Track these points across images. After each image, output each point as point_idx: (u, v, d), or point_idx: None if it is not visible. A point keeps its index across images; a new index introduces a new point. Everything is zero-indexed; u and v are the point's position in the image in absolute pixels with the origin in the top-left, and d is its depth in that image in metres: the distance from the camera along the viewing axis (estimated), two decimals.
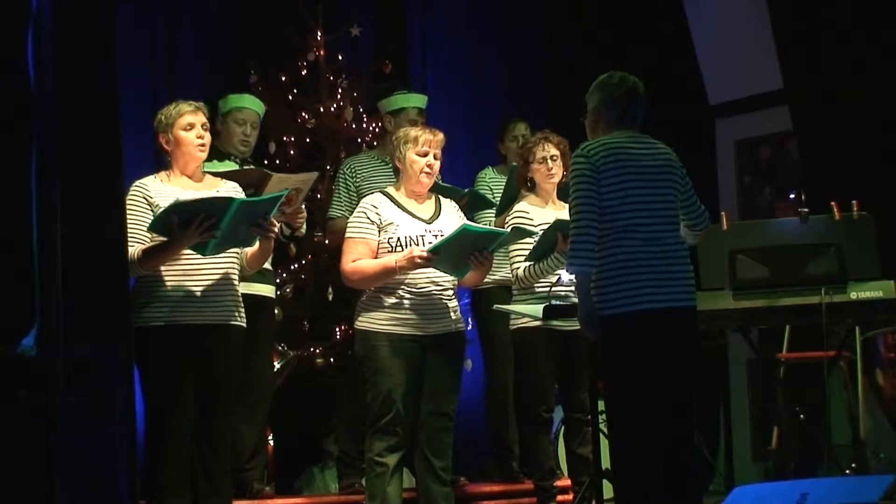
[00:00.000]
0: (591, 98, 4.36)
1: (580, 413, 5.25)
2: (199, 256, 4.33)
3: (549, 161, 5.28)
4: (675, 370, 4.16)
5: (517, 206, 5.30)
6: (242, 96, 5.64)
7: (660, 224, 4.17)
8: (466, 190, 5.55)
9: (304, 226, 5.39)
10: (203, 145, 4.48)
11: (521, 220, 5.17)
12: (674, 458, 4.15)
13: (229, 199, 4.19)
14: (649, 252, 4.13)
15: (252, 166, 5.41)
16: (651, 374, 4.12)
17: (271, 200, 4.33)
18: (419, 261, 4.60)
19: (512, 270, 5.19)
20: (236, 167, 5.33)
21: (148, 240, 4.32)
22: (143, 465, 4.29)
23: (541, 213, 5.22)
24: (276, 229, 4.42)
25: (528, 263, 5.07)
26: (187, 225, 4.15)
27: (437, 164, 4.85)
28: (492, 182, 6.11)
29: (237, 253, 4.50)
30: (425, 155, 4.81)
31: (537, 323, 5.04)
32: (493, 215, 5.72)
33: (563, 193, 5.38)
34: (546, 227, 5.03)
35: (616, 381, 4.20)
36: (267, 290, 5.41)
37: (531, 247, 5.05)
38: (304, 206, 5.16)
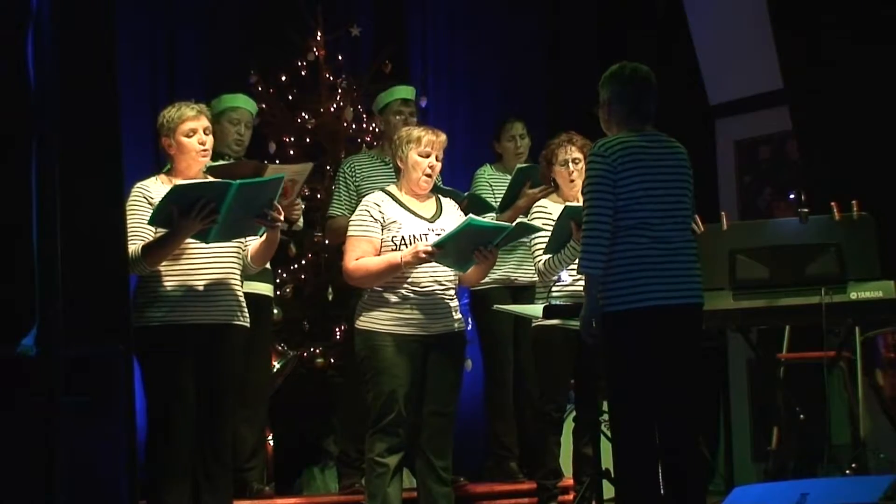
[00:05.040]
0: (603, 89, 4.33)
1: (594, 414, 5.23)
2: (201, 256, 4.33)
3: (570, 164, 5.25)
4: (680, 367, 4.17)
5: (539, 203, 5.29)
6: (236, 96, 5.62)
7: (670, 223, 4.19)
8: (466, 193, 5.55)
9: (301, 219, 5.38)
10: (205, 151, 4.48)
11: (542, 217, 5.17)
12: (676, 456, 4.15)
13: (227, 183, 4.16)
14: (658, 250, 4.14)
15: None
16: (655, 371, 4.13)
17: (270, 183, 4.30)
18: (424, 255, 4.59)
19: (535, 266, 5.18)
20: None
21: (150, 239, 4.31)
22: (143, 465, 4.29)
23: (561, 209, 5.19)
24: (282, 217, 4.41)
25: (547, 256, 5.06)
26: (187, 213, 4.15)
27: (438, 166, 4.84)
28: (490, 178, 6.10)
29: (239, 252, 4.49)
30: (427, 156, 4.80)
31: (557, 322, 5.03)
32: (493, 217, 5.69)
33: None
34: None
35: (619, 377, 4.20)
36: (265, 289, 5.40)
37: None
38: (300, 200, 5.15)
